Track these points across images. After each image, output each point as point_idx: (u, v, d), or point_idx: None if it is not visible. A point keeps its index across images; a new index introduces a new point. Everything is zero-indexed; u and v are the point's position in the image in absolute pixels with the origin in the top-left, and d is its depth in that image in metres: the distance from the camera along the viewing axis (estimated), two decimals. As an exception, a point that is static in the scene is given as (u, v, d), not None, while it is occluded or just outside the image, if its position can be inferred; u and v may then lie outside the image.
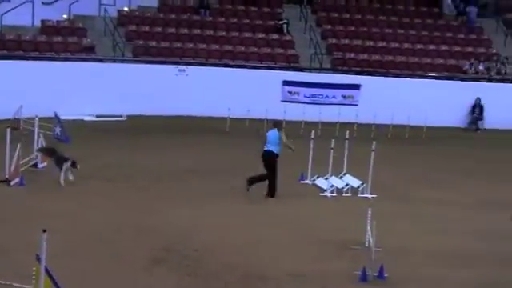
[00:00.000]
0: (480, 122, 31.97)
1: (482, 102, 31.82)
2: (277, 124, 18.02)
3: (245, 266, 12.33)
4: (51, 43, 29.29)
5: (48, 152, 18.73)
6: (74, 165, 17.74)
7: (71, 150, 21.30)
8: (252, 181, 17.58)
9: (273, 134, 17.64)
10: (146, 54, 30.39)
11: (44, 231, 8.54)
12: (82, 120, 26.92)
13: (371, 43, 33.86)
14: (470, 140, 29.20)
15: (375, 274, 11.92)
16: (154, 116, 27.36)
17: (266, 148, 17.49)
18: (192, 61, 30.51)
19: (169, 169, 19.78)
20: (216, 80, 29.26)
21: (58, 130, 22.72)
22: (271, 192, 17.48)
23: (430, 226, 15.72)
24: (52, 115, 22.79)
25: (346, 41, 33.76)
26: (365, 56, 33.11)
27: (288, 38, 33.11)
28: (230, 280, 11.68)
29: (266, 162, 17.43)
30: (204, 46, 31.55)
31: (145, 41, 30.77)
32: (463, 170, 22.04)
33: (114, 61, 29.72)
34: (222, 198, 17.06)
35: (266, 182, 17.47)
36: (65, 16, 30.60)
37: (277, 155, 17.46)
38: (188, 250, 13.08)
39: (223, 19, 33.41)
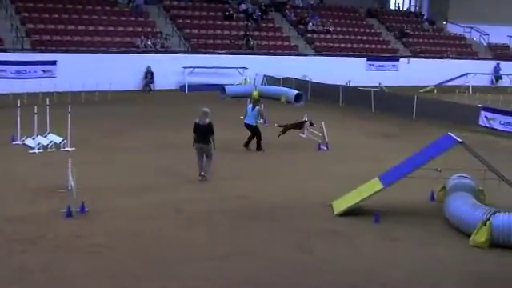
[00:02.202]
0: (152, 85, 32.86)
1: (152, 69, 32.71)
2: (256, 102, 18.43)
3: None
4: None
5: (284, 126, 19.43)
6: (311, 124, 19.46)
7: None
8: (247, 143, 18.17)
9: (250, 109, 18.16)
10: None
11: None
12: None
13: (62, 27, 33.00)
14: (146, 99, 29.93)
15: (77, 210, 11.95)
16: None
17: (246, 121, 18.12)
18: None
19: None
20: None
21: None
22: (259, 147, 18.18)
23: (120, 168, 15.90)
24: None
25: (42, 25, 32.55)
26: (58, 37, 32.22)
27: (-9, 24, 31.18)
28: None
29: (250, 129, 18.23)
30: None
31: None
32: (142, 123, 22.65)
33: None
34: None
35: None
36: None
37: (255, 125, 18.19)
38: None
39: None
